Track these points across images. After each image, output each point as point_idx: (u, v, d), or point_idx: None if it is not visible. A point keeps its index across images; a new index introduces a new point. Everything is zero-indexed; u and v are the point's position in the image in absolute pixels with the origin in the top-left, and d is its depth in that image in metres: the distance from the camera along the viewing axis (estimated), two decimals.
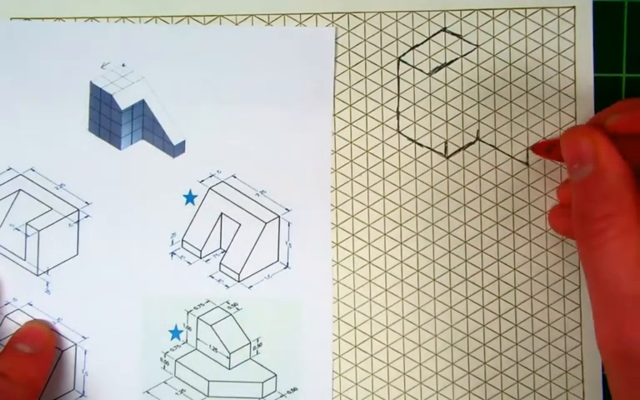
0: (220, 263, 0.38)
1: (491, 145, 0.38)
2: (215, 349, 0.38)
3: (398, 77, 0.38)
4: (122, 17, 0.38)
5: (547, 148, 0.36)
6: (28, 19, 0.38)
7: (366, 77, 0.38)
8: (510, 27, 0.38)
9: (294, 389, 0.38)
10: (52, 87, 0.38)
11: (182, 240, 0.38)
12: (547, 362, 0.37)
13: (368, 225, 0.38)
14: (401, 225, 0.38)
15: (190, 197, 0.38)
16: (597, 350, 0.37)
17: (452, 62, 0.38)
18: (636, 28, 0.38)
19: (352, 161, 0.38)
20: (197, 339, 0.38)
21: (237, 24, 0.38)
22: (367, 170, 0.38)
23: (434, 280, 0.38)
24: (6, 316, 0.38)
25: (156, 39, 0.38)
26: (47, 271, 0.38)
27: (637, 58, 0.38)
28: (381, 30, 0.38)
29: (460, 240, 0.38)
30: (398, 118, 0.38)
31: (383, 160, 0.38)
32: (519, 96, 0.38)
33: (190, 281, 0.38)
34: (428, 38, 0.38)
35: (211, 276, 0.38)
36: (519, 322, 0.38)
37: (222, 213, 0.38)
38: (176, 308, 0.38)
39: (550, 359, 0.37)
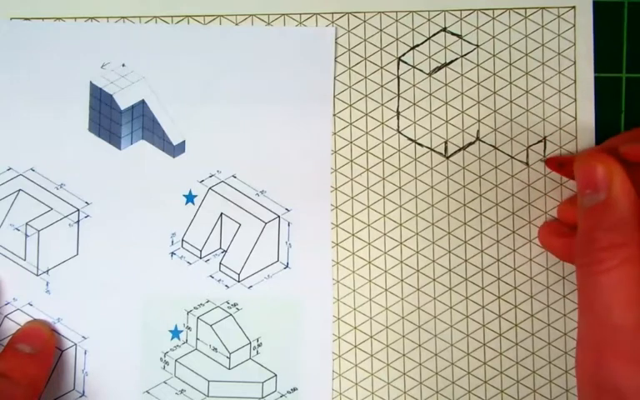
0: (220, 263, 0.38)
1: (491, 145, 0.38)
2: (215, 349, 0.38)
3: (398, 77, 0.38)
4: (122, 17, 0.38)
5: (560, 163, 0.36)
6: (28, 19, 0.38)
7: (366, 77, 0.38)
8: (510, 27, 0.38)
9: (294, 389, 0.38)
10: (52, 87, 0.38)
11: (182, 240, 0.38)
12: (547, 362, 0.37)
13: (368, 225, 0.38)
14: (401, 225, 0.38)
15: (190, 197, 0.38)
16: None
17: (452, 62, 0.38)
18: (636, 28, 0.38)
19: (352, 161, 0.38)
20: (197, 339, 0.38)
21: (237, 24, 0.38)
22: (367, 170, 0.38)
23: (434, 280, 0.38)
24: (6, 316, 0.38)
25: (156, 39, 0.38)
26: (47, 271, 0.38)
27: (637, 58, 0.38)
28: (381, 30, 0.38)
29: (460, 240, 0.38)
30: (398, 118, 0.38)
31: (383, 160, 0.38)
32: (519, 96, 0.38)
33: (190, 281, 0.38)
34: (428, 38, 0.38)
35: (211, 276, 0.38)
36: (519, 322, 0.38)
37: (222, 213, 0.38)
38: (176, 308, 0.38)
39: (550, 359, 0.37)
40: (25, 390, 0.34)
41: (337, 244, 0.38)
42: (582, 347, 0.31)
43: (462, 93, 0.38)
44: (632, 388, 0.29)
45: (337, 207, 0.38)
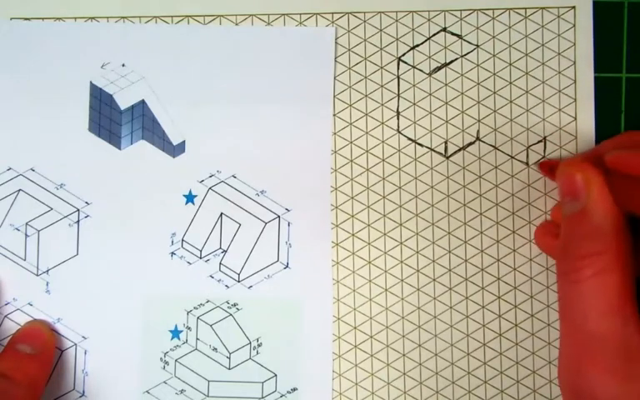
0: (220, 263, 0.38)
1: (491, 145, 0.38)
2: (215, 349, 0.38)
3: (398, 77, 0.38)
4: (122, 17, 0.38)
5: (551, 167, 0.36)
6: (28, 19, 0.38)
7: (366, 77, 0.38)
8: (510, 27, 0.38)
9: (294, 389, 0.38)
10: (52, 87, 0.38)
11: (182, 240, 0.38)
12: (547, 362, 0.37)
13: (368, 225, 0.38)
14: (401, 225, 0.38)
15: (190, 197, 0.38)
16: None
17: (452, 62, 0.38)
18: (636, 28, 0.38)
19: (352, 161, 0.38)
20: (197, 339, 0.38)
21: (237, 24, 0.38)
22: (367, 170, 0.38)
23: (434, 280, 0.38)
24: (6, 316, 0.38)
25: (156, 39, 0.38)
26: (47, 271, 0.38)
27: (637, 58, 0.38)
28: (381, 30, 0.38)
29: (460, 240, 0.38)
30: (398, 118, 0.38)
31: (383, 160, 0.38)
32: (519, 96, 0.38)
33: (190, 281, 0.38)
34: (428, 38, 0.38)
35: (211, 276, 0.38)
36: (519, 322, 0.38)
37: (222, 213, 0.38)
38: (176, 308, 0.38)
39: (550, 359, 0.37)
40: (25, 390, 0.34)
41: (337, 244, 0.38)
42: (562, 355, 0.32)
43: (462, 93, 0.38)
44: (609, 398, 0.29)
45: (337, 207, 0.38)
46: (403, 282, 0.38)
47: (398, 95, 0.38)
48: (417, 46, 0.38)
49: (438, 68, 0.38)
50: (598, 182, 0.31)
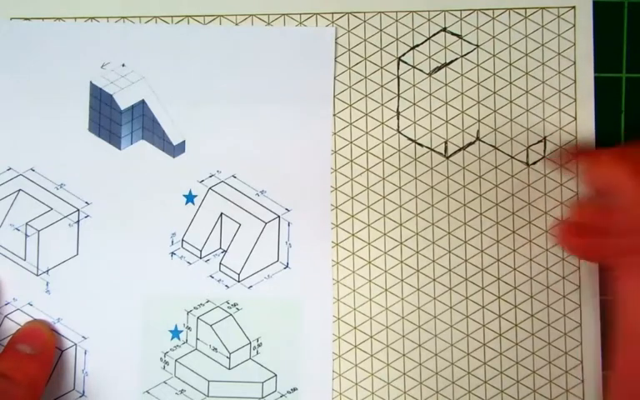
0: (220, 263, 0.38)
1: (491, 145, 0.38)
2: (215, 349, 0.38)
3: (398, 77, 0.38)
4: (122, 17, 0.38)
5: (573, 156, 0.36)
6: (28, 19, 0.38)
7: (366, 77, 0.38)
8: (510, 27, 0.38)
9: (294, 389, 0.38)
10: (52, 87, 0.38)
11: (182, 240, 0.38)
12: (547, 362, 0.37)
13: (368, 225, 0.38)
14: (401, 225, 0.38)
15: (190, 197, 0.38)
16: (597, 350, 0.37)
17: (452, 62, 0.38)
18: (636, 28, 0.38)
19: (352, 161, 0.38)
20: (197, 339, 0.38)
21: (237, 24, 0.38)
22: (367, 170, 0.38)
23: (434, 280, 0.38)
24: (6, 316, 0.38)
25: (156, 39, 0.38)
26: (47, 271, 0.38)
27: (637, 58, 0.38)
28: (381, 30, 0.38)
29: (460, 240, 0.38)
30: (398, 118, 0.38)
31: (383, 160, 0.38)
32: (519, 96, 0.38)
33: (190, 281, 0.38)
34: (428, 38, 0.38)
35: (211, 276, 0.38)
36: (519, 322, 0.38)
37: (222, 213, 0.38)
38: (176, 308, 0.38)
39: (550, 359, 0.37)
40: (25, 390, 0.34)
41: (337, 244, 0.38)
42: (626, 363, 0.30)
43: (462, 93, 0.38)
44: None
45: (337, 207, 0.38)
46: (403, 282, 0.38)
47: (398, 95, 0.38)
48: (417, 46, 0.38)
49: (438, 68, 0.38)
50: None
